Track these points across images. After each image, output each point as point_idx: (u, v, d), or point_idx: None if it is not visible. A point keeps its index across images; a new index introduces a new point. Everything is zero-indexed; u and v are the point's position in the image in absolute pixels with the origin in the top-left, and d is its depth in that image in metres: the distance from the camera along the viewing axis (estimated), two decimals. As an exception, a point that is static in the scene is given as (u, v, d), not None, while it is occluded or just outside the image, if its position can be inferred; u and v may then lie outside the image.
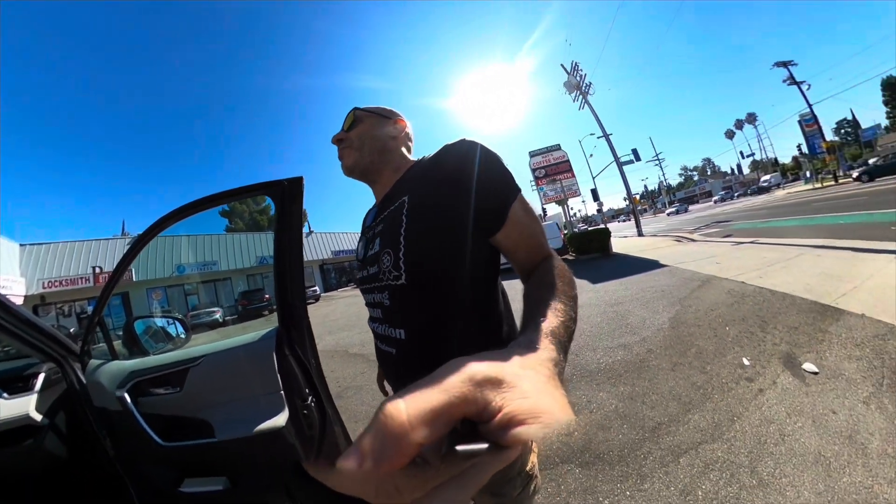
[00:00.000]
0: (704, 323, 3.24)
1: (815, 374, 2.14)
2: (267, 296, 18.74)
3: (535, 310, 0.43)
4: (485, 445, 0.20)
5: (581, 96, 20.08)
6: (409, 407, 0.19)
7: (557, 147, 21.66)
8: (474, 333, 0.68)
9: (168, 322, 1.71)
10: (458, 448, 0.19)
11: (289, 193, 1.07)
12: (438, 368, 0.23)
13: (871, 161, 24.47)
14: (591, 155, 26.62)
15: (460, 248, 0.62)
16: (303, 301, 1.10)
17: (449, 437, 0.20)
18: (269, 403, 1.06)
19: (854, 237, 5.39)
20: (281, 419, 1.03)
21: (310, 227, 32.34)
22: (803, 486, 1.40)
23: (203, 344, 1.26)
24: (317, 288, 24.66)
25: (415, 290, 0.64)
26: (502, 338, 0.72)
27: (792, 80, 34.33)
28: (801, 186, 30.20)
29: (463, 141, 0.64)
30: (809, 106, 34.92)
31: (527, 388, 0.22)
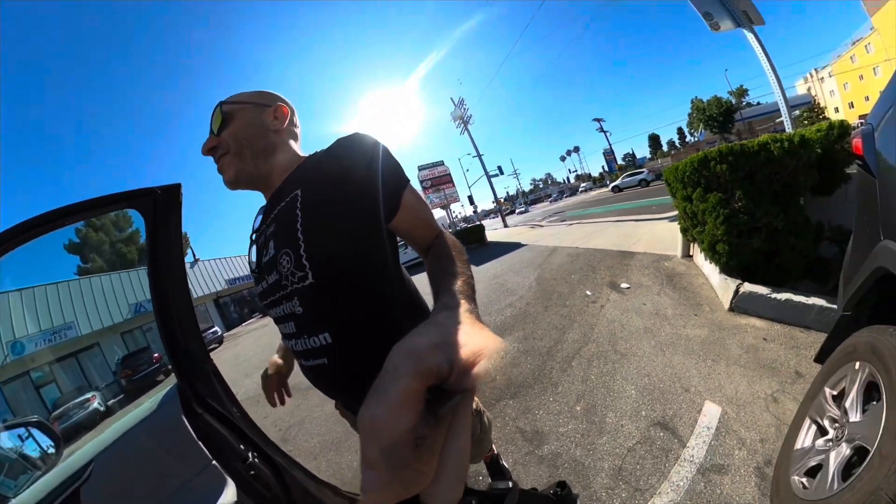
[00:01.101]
0: (558, 276, 4.00)
1: (629, 287, 2.92)
2: (157, 354, 12.27)
3: (442, 278, 0.45)
4: (458, 396, 0.21)
5: (463, 125, 22.51)
6: (382, 411, 0.20)
7: (441, 163, 26.49)
8: (397, 313, 0.62)
9: (20, 436, 1.08)
10: (440, 412, 0.21)
11: (163, 206, 0.74)
12: (386, 360, 0.23)
13: (642, 174, 36.77)
14: (468, 170, 31.16)
15: (361, 237, 0.57)
16: (200, 341, 0.80)
17: (427, 407, 0.21)
18: (204, 484, 0.72)
19: (635, 214, 7.49)
20: (228, 496, 0.69)
21: (194, 255, 24.70)
22: (643, 346, 1.99)
23: (83, 447, 0.80)
24: (216, 328, 17.45)
25: (326, 287, 0.55)
26: (420, 307, 0.69)
27: (601, 129, 52.99)
28: (604, 190, 40.43)
29: (357, 134, 0.60)
30: (609, 144, 53.82)
31: (463, 339, 0.24)
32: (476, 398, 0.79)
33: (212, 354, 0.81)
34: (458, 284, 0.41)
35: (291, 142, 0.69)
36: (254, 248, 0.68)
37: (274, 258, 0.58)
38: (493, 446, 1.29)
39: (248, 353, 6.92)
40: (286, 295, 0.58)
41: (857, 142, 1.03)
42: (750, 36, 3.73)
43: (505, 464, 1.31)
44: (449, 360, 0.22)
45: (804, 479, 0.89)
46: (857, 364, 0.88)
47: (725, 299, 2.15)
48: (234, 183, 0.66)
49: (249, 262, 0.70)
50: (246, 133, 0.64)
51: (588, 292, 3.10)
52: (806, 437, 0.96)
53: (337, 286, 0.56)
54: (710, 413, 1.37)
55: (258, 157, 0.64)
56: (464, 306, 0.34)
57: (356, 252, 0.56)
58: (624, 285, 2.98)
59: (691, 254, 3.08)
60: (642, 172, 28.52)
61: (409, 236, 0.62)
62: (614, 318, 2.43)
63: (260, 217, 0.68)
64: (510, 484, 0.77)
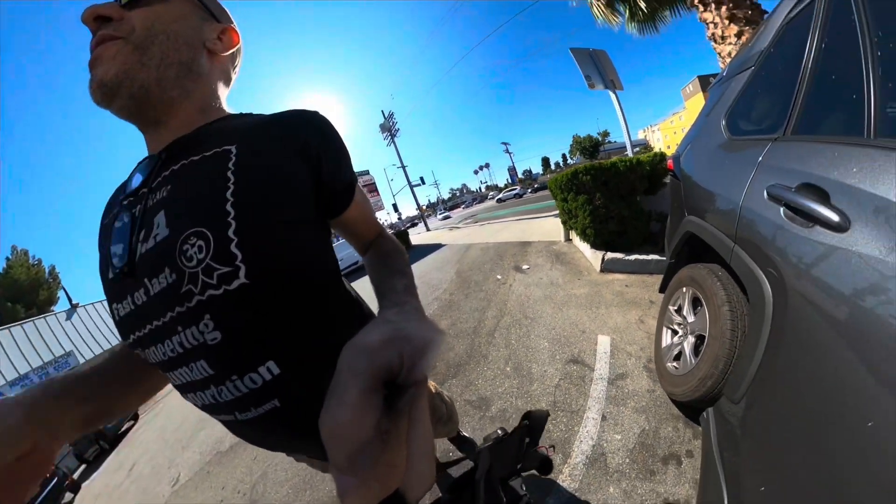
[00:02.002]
0: (474, 267, 4.30)
1: (528, 268, 3.34)
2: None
3: (386, 276, 0.42)
4: (411, 388, 0.21)
5: (390, 138, 21.83)
6: (344, 412, 0.19)
7: (367, 172, 26.56)
8: (350, 320, 0.48)
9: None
10: (399, 404, 0.21)
11: None
12: (339, 360, 0.22)
13: (536, 185, 44.23)
14: (392, 179, 31.60)
15: (311, 226, 0.41)
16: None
17: (386, 402, 0.21)
18: None
19: (533, 214, 8.61)
20: None
21: (70, 300, 16.66)
22: (545, 309, 2.31)
23: None
24: None
25: (265, 291, 0.34)
26: (366, 312, 0.55)
27: (507, 151, 64.42)
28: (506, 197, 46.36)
29: (315, 112, 0.43)
30: (512, 163, 65.96)
31: (410, 333, 0.23)
32: (431, 382, 0.77)
33: (132, 434, 0.62)
34: (402, 282, 0.39)
35: (221, 84, 0.46)
36: (115, 229, 0.38)
37: (168, 245, 0.34)
38: None
39: (175, 418, 4.91)
40: (188, 313, 0.33)
41: (670, 162, 1.48)
42: (612, 96, 4.82)
43: (466, 434, 1.34)
44: (400, 354, 0.21)
45: (674, 364, 1.21)
46: (684, 288, 1.24)
47: (597, 265, 2.70)
48: (110, 88, 0.36)
49: (106, 257, 0.39)
50: (170, 28, 0.39)
51: (499, 276, 3.44)
52: (666, 338, 1.31)
53: (282, 290, 0.36)
54: (603, 342, 1.71)
55: (170, 68, 0.39)
56: (412, 302, 0.33)
57: (304, 244, 0.39)
58: (525, 267, 3.41)
59: (570, 238, 3.72)
60: (516, 188, 40.76)
61: (353, 232, 0.51)
62: (521, 292, 2.76)
63: (138, 176, 0.40)
64: (477, 444, 0.72)
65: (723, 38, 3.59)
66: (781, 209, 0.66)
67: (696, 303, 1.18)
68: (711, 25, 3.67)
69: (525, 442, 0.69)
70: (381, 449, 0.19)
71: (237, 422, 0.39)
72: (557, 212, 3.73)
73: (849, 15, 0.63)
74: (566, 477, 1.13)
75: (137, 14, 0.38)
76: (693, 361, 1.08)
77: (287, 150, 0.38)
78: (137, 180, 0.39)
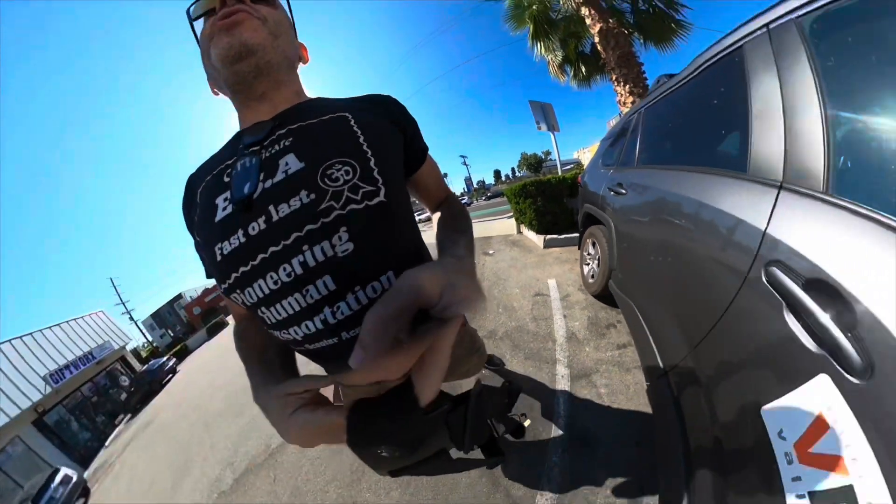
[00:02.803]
0: None
1: (493, 252, 4.30)
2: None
3: (452, 232, 0.46)
4: (434, 323, 0.24)
5: None
6: (384, 309, 0.23)
7: None
8: (422, 257, 0.48)
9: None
10: (419, 329, 0.24)
11: None
12: (398, 279, 0.25)
13: (489, 194, 48.16)
14: None
15: (403, 173, 0.48)
16: None
17: (412, 322, 0.24)
18: None
19: (486, 218, 9.82)
20: None
21: None
22: (511, 272, 3.26)
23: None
24: (67, 472, 5.76)
25: (394, 211, 0.39)
26: (427, 256, 0.53)
27: (464, 163, 67.09)
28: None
29: (390, 96, 0.51)
30: (469, 174, 68.39)
31: (458, 283, 0.26)
32: (471, 327, 0.87)
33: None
34: (464, 240, 0.42)
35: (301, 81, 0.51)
36: (244, 167, 0.39)
37: (306, 172, 0.36)
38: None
39: (143, 480, 3.61)
40: (322, 228, 0.34)
41: (579, 178, 2.55)
42: (552, 136, 6.34)
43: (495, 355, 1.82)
44: (440, 293, 0.25)
45: (591, 279, 2.22)
46: (588, 239, 2.27)
47: (541, 244, 3.82)
48: (249, 50, 0.40)
49: (210, 206, 0.40)
50: (287, 30, 0.46)
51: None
52: (585, 268, 2.36)
53: (401, 210, 0.40)
54: (552, 283, 2.73)
55: (285, 60, 0.45)
56: (469, 260, 0.36)
57: (403, 186, 0.46)
58: (491, 251, 4.38)
59: (521, 231, 4.85)
60: (465, 198, 45.57)
61: (425, 190, 0.57)
62: (493, 266, 3.67)
63: (249, 138, 0.42)
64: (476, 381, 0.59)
65: (624, 104, 5.11)
66: (611, 192, 1.70)
67: (594, 245, 2.24)
68: (619, 94, 5.19)
69: (506, 397, 0.68)
70: (391, 349, 0.23)
71: (340, 343, 0.38)
72: (507, 216, 4.88)
73: (653, 120, 1.71)
74: (560, 346, 1.86)
75: (265, 9, 0.43)
76: (597, 271, 2.13)
77: (384, 118, 0.46)
78: (252, 137, 0.41)
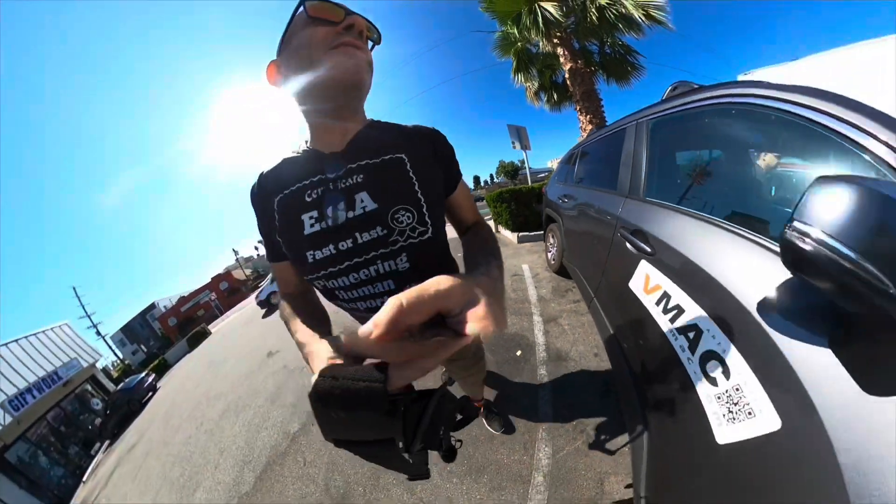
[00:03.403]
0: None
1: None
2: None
3: (481, 254, 0.47)
4: (446, 335, 0.24)
5: None
6: (407, 300, 0.23)
7: None
8: (452, 264, 0.63)
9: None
10: (427, 333, 0.24)
11: None
12: (428, 280, 0.25)
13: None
14: None
15: (443, 202, 0.58)
16: None
17: (426, 325, 0.24)
18: None
19: None
20: None
21: None
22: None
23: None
24: None
25: (437, 241, 0.52)
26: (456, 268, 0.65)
27: None
28: None
29: (436, 129, 0.59)
30: None
31: (483, 301, 0.25)
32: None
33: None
34: (496, 263, 0.42)
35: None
36: (323, 198, 0.49)
37: (380, 213, 0.48)
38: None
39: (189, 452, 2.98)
40: (391, 252, 0.49)
41: (544, 189, 3.25)
42: (524, 154, 7.18)
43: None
44: (463, 305, 0.25)
45: (552, 261, 2.94)
46: (550, 234, 2.99)
47: (515, 240, 4.57)
48: (358, 78, 0.46)
49: (297, 220, 0.49)
50: (372, 63, 0.49)
51: (459, 255, 5.04)
52: (547, 255, 3.10)
53: (442, 240, 0.55)
54: (525, 267, 3.45)
55: (366, 93, 0.51)
56: (499, 282, 0.37)
57: (442, 214, 0.56)
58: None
59: (499, 230, 5.57)
60: None
61: (457, 213, 0.63)
62: None
63: (329, 168, 0.50)
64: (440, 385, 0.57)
65: (585, 130, 5.92)
66: (561, 200, 2.41)
67: (553, 237, 2.94)
68: (581, 122, 6.03)
69: (462, 412, 0.52)
70: (399, 337, 0.24)
71: None
72: (486, 218, 5.62)
73: (583, 155, 2.46)
74: (534, 305, 2.49)
75: (369, 54, 0.49)
76: (556, 255, 2.84)
77: (431, 154, 0.56)
78: (333, 171, 0.49)
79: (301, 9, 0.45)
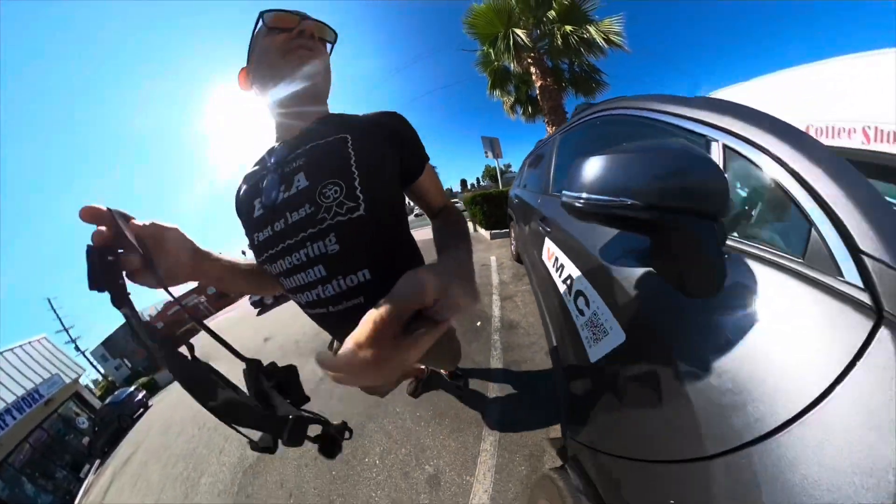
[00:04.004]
0: (424, 249, 6.33)
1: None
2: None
3: (450, 237, 0.47)
4: (426, 327, 0.23)
5: None
6: (384, 315, 0.22)
7: None
8: (412, 254, 0.58)
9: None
10: (411, 328, 0.23)
11: None
12: (399, 281, 0.24)
13: (455, 201, 54.13)
14: None
15: (396, 185, 0.53)
16: None
17: (406, 324, 0.23)
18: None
19: None
20: None
21: None
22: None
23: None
24: None
25: (372, 221, 0.46)
26: (419, 257, 0.61)
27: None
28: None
29: (395, 112, 0.55)
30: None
31: (456, 285, 0.25)
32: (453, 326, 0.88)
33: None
34: (464, 245, 0.42)
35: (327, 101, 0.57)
36: (263, 181, 0.50)
37: (309, 189, 0.46)
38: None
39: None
40: (318, 232, 0.45)
41: (509, 192, 3.75)
42: (497, 162, 7.71)
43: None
44: (438, 295, 0.24)
45: (514, 252, 3.33)
46: (512, 230, 3.35)
47: (488, 237, 4.96)
48: (312, 77, 0.49)
49: (251, 203, 0.51)
50: (329, 64, 0.53)
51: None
52: (511, 246, 3.50)
53: (381, 221, 0.48)
54: (492, 258, 3.81)
55: (326, 91, 0.54)
56: (466, 263, 0.36)
57: (393, 196, 0.52)
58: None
59: (476, 230, 5.95)
60: None
61: (425, 198, 0.60)
62: None
63: (278, 154, 0.51)
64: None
65: None
66: (515, 199, 2.76)
67: (513, 231, 3.29)
68: (549, 133, 6.56)
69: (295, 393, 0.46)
70: (387, 350, 0.22)
71: (328, 314, 0.50)
72: (466, 217, 6.00)
73: (526, 165, 2.85)
74: (495, 287, 2.87)
75: (324, 50, 0.52)
76: (515, 247, 3.21)
77: (381, 136, 0.51)
78: (279, 155, 0.51)
79: (261, 19, 0.49)
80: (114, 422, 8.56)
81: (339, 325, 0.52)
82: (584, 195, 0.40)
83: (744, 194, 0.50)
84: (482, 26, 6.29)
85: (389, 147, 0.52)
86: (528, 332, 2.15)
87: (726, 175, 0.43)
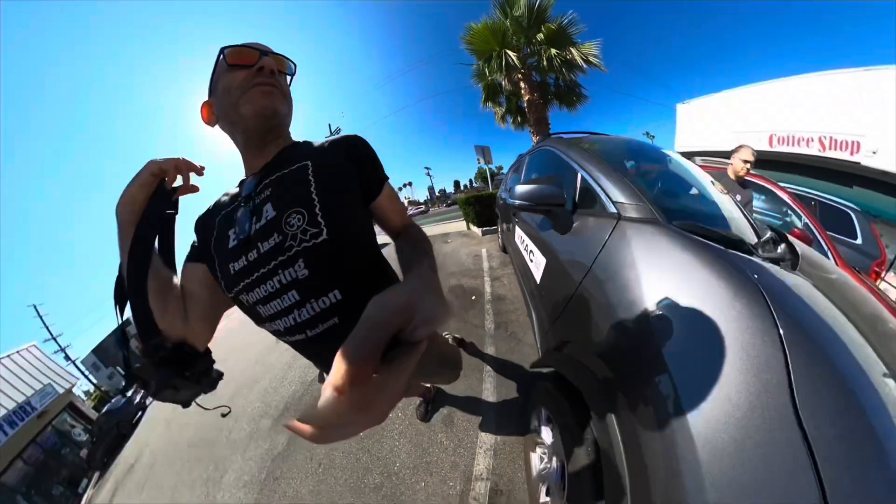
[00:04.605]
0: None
1: (450, 240, 5.95)
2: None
3: (413, 255, 0.46)
4: (405, 347, 0.23)
5: None
6: (355, 350, 0.21)
7: None
8: (382, 271, 0.59)
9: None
10: (391, 356, 0.22)
11: None
12: (366, 310, 0.23)
13: (449, 202, 52.52)
14: None
15: (358, 205, 0.55)
16: None
17: (384, 352, 0.22)
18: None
19: (445, 221, 10.96)
20: None
21: None
22: (461, 248, 5.00)
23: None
24: None
25: (337, 244, 0.48)
26: (390, 270, 0.62)
27: (428, 173, 64.86)
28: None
29: (355, 135, 0.58)
30: (432, 184, 68.87)
31: (424, 304, 0.25)
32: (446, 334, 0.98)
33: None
34: (427, 261, 0.42)
35: (289, 127, 0.60)
36: (238, 214, 0.51)
37: (276, 219, 0.48)
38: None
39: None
40: (288, 259, 0.47)
41: (499, 194, 4.35)
42: (487, 169, 8.30)
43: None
44: (410, 317, 0.23)
45: (501, 243, 4.02)
46: (499, 227, 4.04)
47: (480, 233, 5.60)
48: (275, 116, 0.52)
49: (223, 236, 0.52)
50: (289, 93, 0.56)
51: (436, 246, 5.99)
52: (498, 240, 4.19)
53: (345, 243, 0.50)
54: (483, 250, 4.45)
55: (289, 117, 0.57)
56: (430, 277, 0.35)
57: (355, 216, 0.53)
58: (448, 241, 5.97)
59: (470, 228, 6.59)
60: (421, 206, 49.09)
61: (385, 218, 0.60)
62: (451, 247, 5.25)
63: (247, 187, 0.53)
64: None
65: None
66: (500, 201, 3.43)
67: (499, 228, 3.95)
68: (534, 143, 7.22)
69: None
70: (370, 387, 0.20)
71: (307, 339, 0.51)
72: (459, 219, 6.62)
73: (508, 174, 3.48)
74: (486, 272, 3.56)
75: (285, 84, 0.55)
76: (501, 240, 3.85)
77: (340, 157, 0.54)
78: (248, 189, 0.52)
79: (222, 56, 0.50)
80: (112, 430, 8.02)
81: (319, 349, 0.53)
82: (515, 201, 1.08)
83: (572, 193, 1.13)
84: (479, 44, 6.93)
85: (348, 169, 0.54)
86: (513, 301, 2.79)
87: (571, 187, 1.09)
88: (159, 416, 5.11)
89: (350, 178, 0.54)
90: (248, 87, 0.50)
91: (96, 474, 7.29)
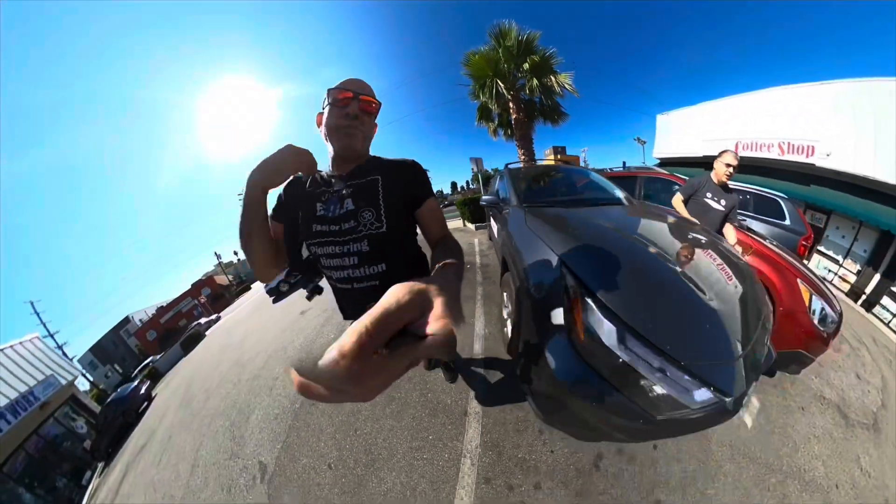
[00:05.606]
0: (423, 243, 8.23)
1: (451, 234, 7.33)
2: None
3: (445, 257, 0.51)
4: (410, 341, 0.24)
5: None
6: (371, 323, 0.22)
7: None
8: (415, 261, 0.85)
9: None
10: (394, 344, 0.23)
11: None
12: (386, 294, 0.25)
13: (446, 202, 53.83)
14: None
15: (408, 213, 0.77)
16: None
17: (391, 338, 0.23)
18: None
19: (448, 218, 13.02)
20: None
21: None
22: (459, 239, 6.23)
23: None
24: None
25: (390, 235, 0.73)
26: (427, 266, 0.86)
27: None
28: None
29: (412, 161, 0.80)
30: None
31: (440, 303, 0.26)
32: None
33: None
34: (454, 269, 0.46)
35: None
36: (322, 201, 0.75)
37: (354, 212, 0.72)
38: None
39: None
40: (358, 237, 0.71)
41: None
42: (479, 176, 9.58)
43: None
44: (422, 311, 0.25)
45: (489, 235, 5.38)
46: (490, 221, 5.31)
47: (473, 228, 6.99)
48: (354, 153, 0.75)
49: (317, 211, 0.75)
50: (371, 130, 0.78)
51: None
52: (491, 232, 5.49)
53: (396, 235, 0.74)
54: (475, 240, 5.79)
55: (368, 145, 0.78)
56: (454, 282, 0.38)
57: (404, 221, 0.77)
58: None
59: (465, 225, 7.87)
60: None
61: (427, 227, 0.79)
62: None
63: (335, 182, 0.76)
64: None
65: (523, 161, 8.39)
66: (488, 202, 4.59)
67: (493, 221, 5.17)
68: (519, 155, 8.50)
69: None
70: (370, 364, 0.22)
71: (353, 289, 0.77)
72: (456, 218, 7.91)
73: (491, 186, 4.73)
74: (476, 254, 4.89)
75: (369, 121, 0.76)
76: (497, 233, 5.04)
77: (401, 177, 0.77)
78: (337, 186, 0.75)
79: (327, 92, 0.72)
80: (118, 418, 7.78)
81: (359, 297, 0.77)
82: (485, 201, 2.51)
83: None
84: (475, 70, 8.19)
85: (405, 185, 0.77)
86: (495, 268, 4.10)
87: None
88: (171, 403, 5.11)
89: (403, 192, 0.77)
90: (340, 127, 0.72)
91: (100, 465, 7.02)
